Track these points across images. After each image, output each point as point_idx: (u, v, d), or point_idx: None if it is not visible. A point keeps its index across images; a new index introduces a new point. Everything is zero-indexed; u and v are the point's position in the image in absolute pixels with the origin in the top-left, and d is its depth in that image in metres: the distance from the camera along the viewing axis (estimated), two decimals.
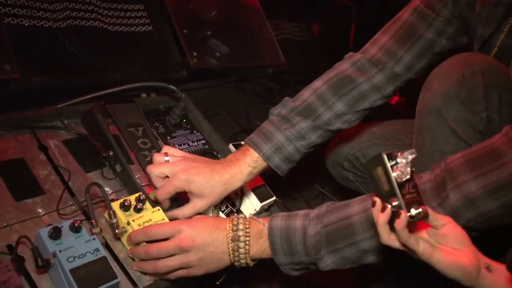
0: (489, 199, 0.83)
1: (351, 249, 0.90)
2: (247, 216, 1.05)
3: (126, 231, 0.98)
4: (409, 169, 0.72)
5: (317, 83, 1.20)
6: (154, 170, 1.03)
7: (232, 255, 0.94)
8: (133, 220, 0.98)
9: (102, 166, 1.13)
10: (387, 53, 1.19)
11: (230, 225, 0.95)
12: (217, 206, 1.14)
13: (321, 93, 1.18)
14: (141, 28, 1.68)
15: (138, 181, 1.10)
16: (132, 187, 1.10)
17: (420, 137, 1.03)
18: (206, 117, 1.46)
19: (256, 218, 0.97)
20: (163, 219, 1.02)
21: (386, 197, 0.74)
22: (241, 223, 0.95)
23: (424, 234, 0.78)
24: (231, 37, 2.01)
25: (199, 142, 1.36)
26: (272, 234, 0.95)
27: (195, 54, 1.78)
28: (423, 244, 0.75)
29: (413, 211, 0.72)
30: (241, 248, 0.94)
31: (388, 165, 0.72)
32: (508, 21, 1.04)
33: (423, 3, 1.18)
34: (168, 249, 0.92)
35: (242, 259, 0.95)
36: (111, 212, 0.96)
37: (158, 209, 1.03)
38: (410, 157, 0.72)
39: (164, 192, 1.02)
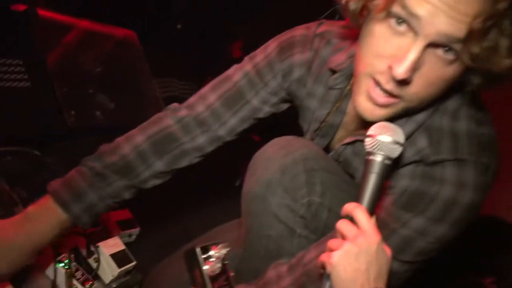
0: None
1: None
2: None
3: None
4: (220, 264, 0.81)
5: (139, 138, 1.19)
6: None
7: None
8: None
9: None
10: (214, 115, 1.20)
11: None
12: (70, 275, 1.16)
13: (142, 151, 1.17)
14: (18, 84, 1.67)
15: None
16: None
17: (248, 221, 1.10)
18: None
19: None
20: None
21: None
22: None
23: None
24: (115, 95, 2.04)
25: None
26: None
27: (73, 112, 1.79)
28: None
29: None
30: None
31: (201, 260, 0.81)
32: (339, 102, 1.13)
33: (254, 70, 1.20)
34: None
35: None
36: None
37: None
38: (223, 251, 0.82)
39: None
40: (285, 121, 1.31)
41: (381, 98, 0.90)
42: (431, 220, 0.97)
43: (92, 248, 1.28)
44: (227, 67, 1.28)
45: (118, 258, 1.29)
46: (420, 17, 0.81)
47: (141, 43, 2.23)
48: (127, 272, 1.33)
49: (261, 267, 1.08)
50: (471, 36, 0.79)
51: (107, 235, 1.36)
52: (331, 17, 1.35)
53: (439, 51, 0.84)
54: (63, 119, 1.73)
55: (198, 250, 0.82)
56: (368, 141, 0.88)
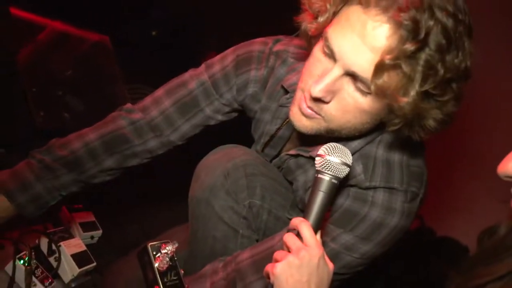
0: None
1: None
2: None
3: None
4: (168, 259, 0.86)
5: (91, 136, 1.22)
6: None
7: None
8: None
9: None
10: (167, 121, 1.24)
11: None
12: (30, 272, 1.17)
13: (93, 148, 1.21)
14: None
15: None
16: None
17: (194, 223, 1.16)
18: None
19: None
20: None
21: (151, 284, 0.86)
22: None
23: None
24: (85, 99, 2.05)
25: None
26: None
27: (41, 113, 1.80)
28: None
29: None
30: None
31: (152, 256, 0.86)
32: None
33: (210, 80, 1.24)
34: None
35: None
36: None
37: None
38: (172, 248, 0.87)
39: None
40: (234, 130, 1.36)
41: (306, 109, 0.98)
42: (358, 238, 1.06)
43: (54, 247, 1.29)
44: None
45: (79, 258, 1.30)
46: (334, 51, 0.91)
47: (114, 49, 2.26)
48: (87, 273, 1.34)
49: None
50: (377, 69, 0.86)
51: (69, 236, 1.37)
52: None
53: (358, 83, 0.92)
54: (31, 119, 1.75)
55: (149, 247, 0.87)
56: (318, 160, 0.92)
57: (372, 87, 0.88)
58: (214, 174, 1.10)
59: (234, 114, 1.32)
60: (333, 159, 0.91)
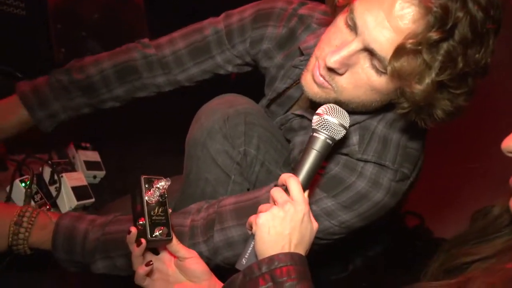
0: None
1: (122, 259, 1.02)
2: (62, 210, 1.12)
3: None
4: (158, 194, 0.86)
5: (106, 64, 1.28)
6: None
7: (10, 238, 1.01)
8: None
9: None
10: (177, 61, 1.28)
11: (18, 211, 1.02)
12: (29, 195, 1.19)
13: (107, 75, 1.27)
14: (13, 10, 1.68)
15: None
16: None
17: (188, 164, 1.16)
18: None
19: (45, 212, 1.05)
20: None
21: (138, 216, 0.86)
22: (29, 211, 1.03)
23: (172, 264, 0.92)
24: (107, 44, 2.05)
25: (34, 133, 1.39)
26: (57, 231, 1.03)
27: (62, 50, 1.81)
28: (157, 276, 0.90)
29: (157, 231, 0.85)
30: (21, 233, 1.01)
31: (143, 188, 0.86)
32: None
33: (225, 29, 1.26)
34: None
35: (20, 245, 1.02)
36: None
37: None
38: (164, 184, 0.86)
39: None
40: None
41: (318, 78, 0.97)
42: (340, 206, 1.05)
43: (56, 177, 1.30)
44: None
45: (79, 191, 1.32)
46: (358, 25, 0.89)
47: (145, 3, 2.25)
48: (85, 207, 1.36)
49: None
50: (397, 51, 0.85)
51: (72, 169, 1.39)
52: None
53: (374, 60, 0.91)
54: (52, 54, 1.76)
55: (142, 179, 0.87)
56: (315, 118, 0.91)
57: (389, 68, 0.86)
58: (214, 117, 1.10)
59: (246, 68, 1.33)
60: (331, 119, 0.90)
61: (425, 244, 2.16)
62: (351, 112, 1.01)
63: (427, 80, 0.85)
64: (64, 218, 1.05)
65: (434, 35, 0.82)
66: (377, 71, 0.92)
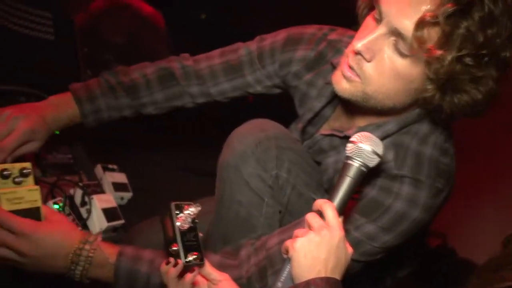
0: None
1: None
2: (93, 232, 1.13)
3: None
4: (190, 220, 0.88)
5: (149, 69, 1.39)
6: None
7: (68, 272, 1.02)
8: (3, 193, 0.97)
9: None
10: (211, 74, 1.37)
11: (77, 246, 1.01)
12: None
13: (149, 79, 1.37)
14: (43, 35, 1.72)
15: None
16: None
17: (221, 188, 1.18)
18: (82, 135, 1.53)
19: (101, 249, 1.03)
20: (36, 201, 1.00)
21: (170, 243, 0.88)
22: (86, 249, 1.01)
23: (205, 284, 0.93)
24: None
25: (65, 156, 1.43)
26: (118, 274, 1.03)
27: (89, 72, 1.85)
28: None
29: (190, 257, 0.87)
30: (77, 271, 1.01)
31: (174, 214, 0.87)
32: (336, 98, 1.23)
33: (257, 50, 1.35)
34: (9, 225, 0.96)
35: (77, 278, 1.03)
36: None
37: (37, 189, 1.01)
38: (195, 210, 0.88)
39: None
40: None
41: (347, 71, 1.05)
42: (381, 229, 1.08)
43: (86, 199, 1.32)
44: None
45: (109, 213, 1.33)
46: (382, 9, 0.98)
47: (167, 25, 2.30)
48: (114, 229, 1.37)
49: (229, 232, 1.17)
50: (418, 24, 0.93)
51: (101, 191, 1.41)
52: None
53: (399, 43, 0.98)
54: (79, 76, 1.80)
55: (172, 205, 0.88)
56: (349, 146, 0.94)
57: (411, 39, 0.94)
58: (246, 142, 1.13)
59: (276, 90, 1.39)
60: (365, 147, 0.92)
61: (450, 264, 2.14)
62: (379, 111, 1.09)
63: (448, 56, 0.93)
64: (123, 261, 1.04)
65: (449, 7, 0.91)
66: (401, 54, 0.99)
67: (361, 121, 1.17)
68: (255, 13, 2.51)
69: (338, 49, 1.25)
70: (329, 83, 1.21)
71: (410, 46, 0.96)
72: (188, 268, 0.88)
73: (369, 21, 1.05)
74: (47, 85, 1.64)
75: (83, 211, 1.32)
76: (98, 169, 1.54)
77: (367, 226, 1.08)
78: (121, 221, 1.37)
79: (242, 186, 1.13)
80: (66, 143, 1.48)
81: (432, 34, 0.94)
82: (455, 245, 2.20)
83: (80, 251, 1.01)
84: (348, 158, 0.93)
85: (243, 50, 1.36)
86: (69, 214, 1.24)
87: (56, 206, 1.22)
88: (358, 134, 0.94)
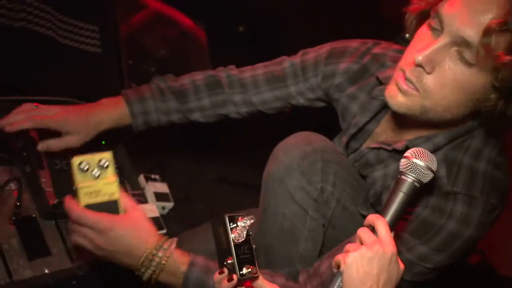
0: None
1: None
2: None
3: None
4: (245, 232, 0.88)
5: (198, 76, 1.44)
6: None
7: (137, 272, 1.02)
8: (81, 188, 0.96)
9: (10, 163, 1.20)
10: (254, 83, 1.40)
11: (150, 251, 1.00)
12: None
13: (198, 85, 1.42)
14: (90, 48, 1.78)
15: (42, 185, 1.17)
16: (34, 189, 1.17)
17: (266, 200, 1.18)
18: (126, 145, 1.57)
19: (173, 256, 1.02)
20: (114, 193, 0.99)
21: (224, 255, 0.89)
22: (160, 256, 1.00)
23: None
24: None
25: None
26: (187, 284, 1.02)
27: (133, 85, 1.88)
28: None
29: (245, 270, 0.88)
30: (147, 274, 1.01)
31: (228, 226, 0.88)
32: (381, 112, 1.23)
33: (301, 63, 1.36)
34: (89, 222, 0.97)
35: (145, 279, 1.02)
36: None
37: (115, 181, 0.99)
38: (248, 222, 0.88)
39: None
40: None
41: (404, 85, 1.02)
42: (433, 250, 1.06)
43: None
44: None
45: (152, 223, 1.35)
46: (445, 18, 0.95)
47: (208, 38, 2.35)
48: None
49: (272, 244, 1.17)
50: (485, 32, 0.91)
51: (144, 200, 1.43)
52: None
53: (461, 54, 0.96)
54: (123, 88, 1.84)
55: (226, 217, 0.89)
56: (403, 161, 0.93)
57: (479, 46, 0.92)
58: (292, 155, 1.13)
59: (319, 104, 1.40)
60: (419, 162, 0.91)
61: (491, 282, 2.06)
62: (436, 124, 1.06)
63: None
64: (194, 271, 1.03)
65: None
66: (466, 63, 0.96)
67: (409, 134, 1.15)
68: (291, 27, 2.53)
69: (382, 63, 1.25)
70: (374, 98, 1.21)
71: (476, 55, 0.94)
72: (243, 280, 0.89)
73: (423, 32, 1.03)
74: (93, 98, 1.71)
75: None
76: (141, 179, 1.57)
77: (420, 247, 1.06)
78: (164, 231, 1.39)
79: (286, 199, 1.13)
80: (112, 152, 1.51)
81: (500, 41, 0.92)
82: (493, 261, 2.13)
83: (152, 256, 1.00)
84: (402, 173, 0.92)
85: (287, 62, 1.38)
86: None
87: None
88: (412, 149, 0.93)
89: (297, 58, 1.38)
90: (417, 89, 1.02)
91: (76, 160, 0.95)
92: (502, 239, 2.11)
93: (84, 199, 0.97)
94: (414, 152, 0.92)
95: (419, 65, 0.99)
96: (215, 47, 2.36)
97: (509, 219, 2.13)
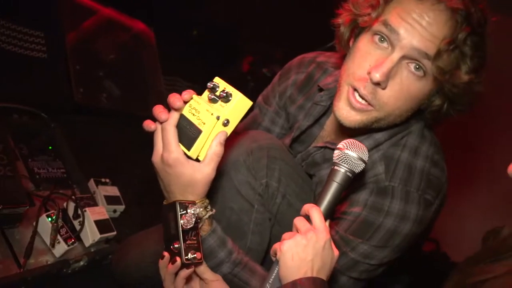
0: None
1: None
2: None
3: None
4: (194, 219, 0.91)
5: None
6: None
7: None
8: (194, 99, 0.98)
9: None
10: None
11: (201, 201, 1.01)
12: (56, 229, 1.24)
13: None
14: (35, 54, 1.76)
15: None
16: None
17: (214, 195, 1.18)
18: (75, 150, 1.57)
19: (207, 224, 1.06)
20: (205, 125, 0.95)
21: (171, 239, 0.91)
22: (200, 209, 0.99)
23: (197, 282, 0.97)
24: (123, 83, 2.14)
25: (58, 170, 1.46)
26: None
27: (81, 90, 1.89)
28: None
29: (190, 255, 0.91)
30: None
31: (179, 212, 0.90)
32: (323, 116, 1.28)
33: (263, 100, 1.43)
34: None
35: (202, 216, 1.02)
36: None
37: (216, 119, 0.95)
38: (198, 211, 0.91)
39: None
40: None
41: (358, 103, 1.06)
42: (375, 247, 1.11)
43: (79, 212, 1.35)
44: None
45: (101, 225, 1.37)
46: (399, 33, 1.00)
47: (157, 41, 2.35)
48: (107, 240, 1.40)
49: None
50: (438, 54, 0.98)
51: (94, 204, 1.44)
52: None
53: (411, 66, 1.01)
54: (71, 93, 1.84)
55: (177, 203, 0.91)
56: (336, 153, 0.97)
57: (433, 68, 1.00)
58: (239, 151, 1.16)
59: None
60: (351, 153, 0.95)
61: (444, 269, 2.16)
62: (383, 128, 1.12)
63: (465, 67, 1.01)
64: (212, 236, 1.06)
65: (464, 32, 0.98)
66: (416, 77, 1.03)
67: (353, 134, 1.17)
68: (245, 28, 2.57)
69: (325, 69, 1.30)
70: (317, 104, 1.26)
71: (427, 70, 1.01)
72: (186, 265, 0.91)
73: (368, 46, 1.05)
74: (41, 103, 1.69)
75: (76, 223, 1.35)
76: (91, 183, 1.57)
77: (362, 246, 1.11)
78: (114, 233, 1.40)
79: (233, 193, 1.16)
80: (60, 158, 1.51)
81: (451, 58, 0.99)
82: (447, 250, 2.25)
83: (195, 205, 0.98)
84: (335, 164, 0.96)
85: (256, 108, 1.43)
86: (62, 227, 1.27)
87: (49, 219, 1.25)
88: (345, 141, 0.97)
89: (259, 99, 1.44)
90: (371, 104, 1.05)
91: (217, 79, 0.98)
92: (455, 229, 2.23)
93: (186, 109, 0.98)
94: (346, 144, 0.96)
95: (377, 83, 1.02)
96: (166, 49, 2.37)
97: (461, 212, 2.26)
